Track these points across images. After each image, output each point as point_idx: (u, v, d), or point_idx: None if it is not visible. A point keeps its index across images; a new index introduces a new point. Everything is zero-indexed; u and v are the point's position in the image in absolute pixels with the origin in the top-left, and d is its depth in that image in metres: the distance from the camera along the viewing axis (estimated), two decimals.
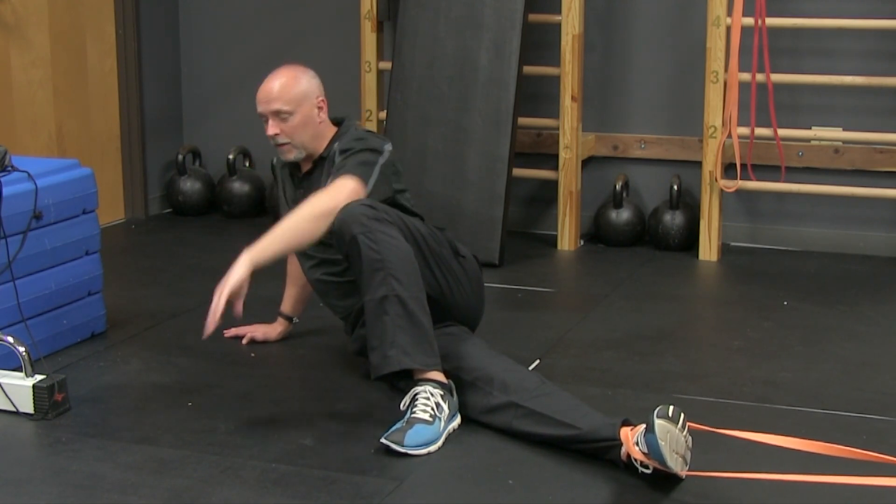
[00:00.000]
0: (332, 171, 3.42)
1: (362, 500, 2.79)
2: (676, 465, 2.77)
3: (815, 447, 2.76)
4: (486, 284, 3.63)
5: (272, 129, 3.50)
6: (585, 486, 2.86)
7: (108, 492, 2.83)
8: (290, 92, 3.50)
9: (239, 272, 3.12)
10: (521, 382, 3.17)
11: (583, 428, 2.98)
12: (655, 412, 2.76)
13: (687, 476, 2.83)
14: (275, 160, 3.85)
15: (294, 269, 3.86)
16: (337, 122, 3.62)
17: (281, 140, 3.51)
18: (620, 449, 2.89)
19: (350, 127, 3.59)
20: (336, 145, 3.52)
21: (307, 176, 3.60)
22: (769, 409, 3.38)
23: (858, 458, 2.72)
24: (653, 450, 2.76)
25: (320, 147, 3.55)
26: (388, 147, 3.52)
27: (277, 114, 3.48)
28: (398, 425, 3.07)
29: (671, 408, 2.77)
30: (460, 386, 3.22)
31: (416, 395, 3.12)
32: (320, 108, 3.55)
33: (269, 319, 3.94)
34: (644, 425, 2.80)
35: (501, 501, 2.82)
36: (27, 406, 3.25)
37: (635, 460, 2.83)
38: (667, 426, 2.74)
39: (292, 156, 3.54)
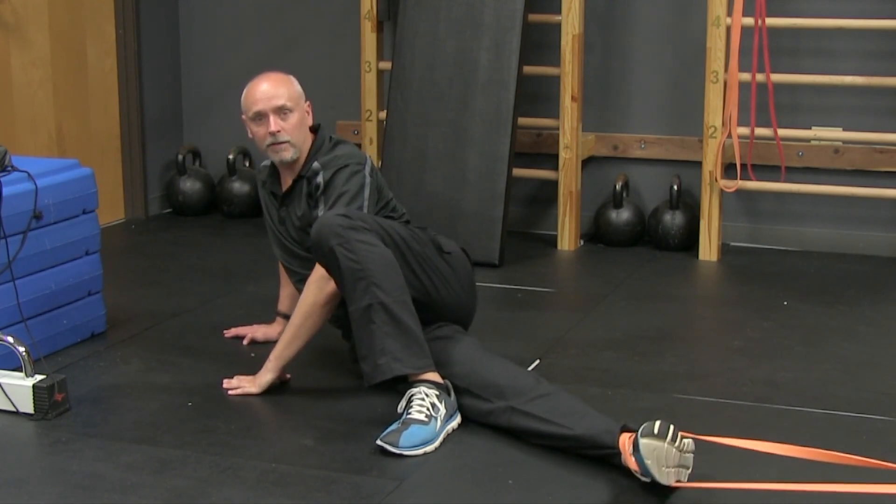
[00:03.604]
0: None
1: (362, 500, 2.79)
2: (668, 478, 2.76)
3: (807, 454, 2.75)
4: (487, 284, 3.63)
5: (275, 125, 3.44)
6: (586, 488, 2.86)
7: (108, 492, 2.83)
8: (291, 89, 3.50)
9: (266, 379, 3.40)
10: (516, 385, 3.15)
11: (579, 431, 2.97)
12: (640, 431, 2.76)
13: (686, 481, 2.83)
14: (259, 179, 3.71)
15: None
16: (312, 129, 3.58)
17: (283, 137, 3.45)
18: (620, 456, 2.88)
19: (324, 140, 3.54)
20: (315, 165, 3.47)
21: (288, 195, 3.55)
22: (769, 409, 3.38)
23: (855, 465, 2.72)
24: (641, 467, 2.76)
25: (304, 153, 3.51)
26: (368, 164, 3.48)
27: (280, 110, 3.45)
28: (394, 426, 3.06)
29: (657, 424, 2.76)
30: (455, 392, 3.21)
31: (411, 396, 3.12)
32: (308, 113, 3.54)
33: (269, 319, 3.94)
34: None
35: (501, 501, 2.82)
36: (27, 406, 3.25)
37: (634, 471, 2.83)
38: (652, 444, 2.73)
39: (289, 155, 3.47)
